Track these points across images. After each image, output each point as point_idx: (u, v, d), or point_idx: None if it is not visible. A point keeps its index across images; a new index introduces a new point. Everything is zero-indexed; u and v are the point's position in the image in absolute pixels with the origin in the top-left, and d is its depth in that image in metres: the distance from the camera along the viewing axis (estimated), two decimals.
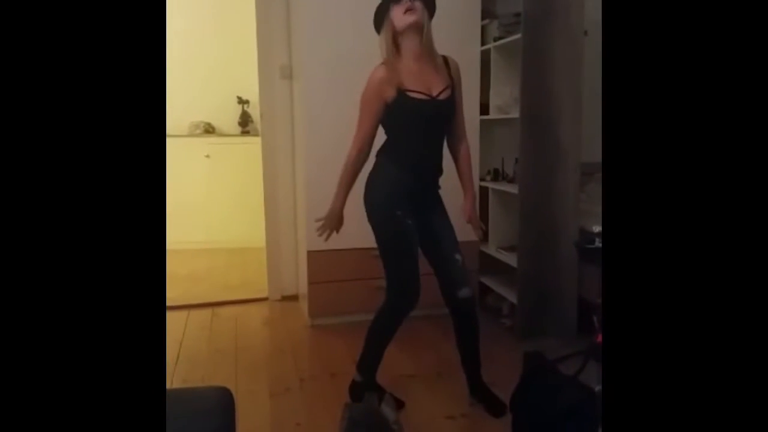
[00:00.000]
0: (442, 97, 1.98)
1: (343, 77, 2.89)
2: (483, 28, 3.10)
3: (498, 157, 3.29)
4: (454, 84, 2.02)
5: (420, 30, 1.93)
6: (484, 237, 2.26)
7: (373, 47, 2.89)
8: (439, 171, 2.06)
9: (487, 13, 3.15)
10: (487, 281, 3.23)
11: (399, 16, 1.92)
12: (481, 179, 3.21)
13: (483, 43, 3.10)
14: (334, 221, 2.07)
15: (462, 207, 2.15)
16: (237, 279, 3.93)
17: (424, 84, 1.96)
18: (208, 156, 4.76)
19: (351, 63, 2.89)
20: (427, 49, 1.98)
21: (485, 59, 3.12)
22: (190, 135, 4.83)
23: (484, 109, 3.16)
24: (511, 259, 2.97)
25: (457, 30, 3.00)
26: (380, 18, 1.99)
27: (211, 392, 1.20)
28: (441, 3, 2.94)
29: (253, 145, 4.08)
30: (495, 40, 3.07)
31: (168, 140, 4.62)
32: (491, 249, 3.22)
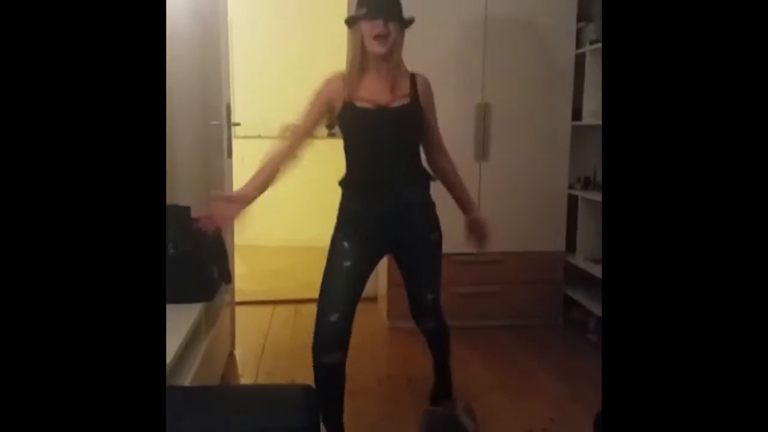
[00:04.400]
0: (394, 105, 1.76)
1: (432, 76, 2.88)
2: (579, 31, 2.99)
3: (590, 165, 3.16)
4: (418, 98, 1.81)
5: (388, 57, 1.75)
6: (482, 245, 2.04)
7: (467, 52, 2.88)
8: (406, 194, 1.81)
9: (583, 15, 3.03)
10: (573, 294, 3.10)
11: (369, 38, 1.71)
12: (570, 187, 3.09)
13: (578, 46, 2.99)
14: (227, 208, 1.78)
15: (466, 226, 1.98)
16: (320, 277, 4.02)
17: (372, 94, 1.77)
18: (295, 156, 4.91)
19: (442, 65, 2.88)
20: (391, 66, 1.77)
21: (580, 63, 3.01)
22: (281, 136, 5.00)
23: (577, 114, 3.04)
24: (599, 271, 2.84)
25: (551, 32, 2.92)
26: (352, 21, 1.81)
27: (296, 390, 1.24)
28: (536, 4, 2.89)
29: (338, 147, 4.16)
30: (591, 43, 2.95)
31: (260, 141, 4.83)
32: (578, 260, 3.10)
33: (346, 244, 1.83)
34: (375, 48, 1.71)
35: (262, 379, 2.48)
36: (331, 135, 5.00)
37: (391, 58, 1.75)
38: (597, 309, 2.84)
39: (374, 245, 1.86)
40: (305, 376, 2.45)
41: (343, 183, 1.93)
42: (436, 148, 1.93)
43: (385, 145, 1.78)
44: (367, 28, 1.71)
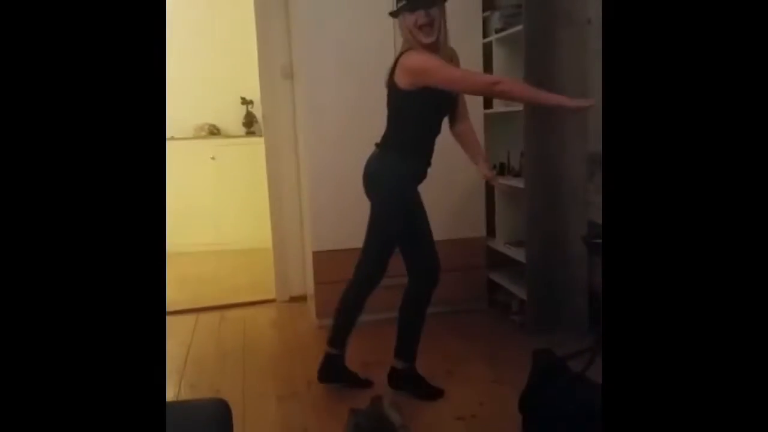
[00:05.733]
0: None
1: (344, 74, 2.86)
2: (484, 20, 3.05)
3: (503, 151, 3.24)
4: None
5: (438, 43, 1.94)
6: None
7: (373, 41, 2.87)
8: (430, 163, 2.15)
9: (488, 4, 3.09)
10: (496, 277, 3.18)
11: (414, 28, 1.89)
12: None
13: (485, 36, 3.05)
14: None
15: (480, 171, 2.24)
16: (245, 280, 3.92)
17: None
18: (213, 158, 4.75)
19: (351, 59, 2.86)
20: (443, 45, 1.98)
21: (487, 52, 3.07)
22: (195, 137, 4.82)
23: (488, 102, 3.11)
24: (519, 254, 2.93)
25: (458, 22, 2.94)
26: (396, 13, 1.97)
27: (208, 405, 1.18)
28: None
29: (258, 145, 4.05)
30: (496, 32, 3.02)
31: (173, 143, 4.62)
32: (498, 245, 3.18)
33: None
34: (422, 38, 1.88)
35: (186, 392, 2.38)
36: (250, 133, 4.89)
37: (441, 43, 1.94)
38: (519, 291, 2.93)
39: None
40: (231, 384, 2.39)
41: (388, 147, 2.10)
42: (464, 111, 2.26)
43: (437, 124, 2.14)
44: (410, 18, 1.87)
